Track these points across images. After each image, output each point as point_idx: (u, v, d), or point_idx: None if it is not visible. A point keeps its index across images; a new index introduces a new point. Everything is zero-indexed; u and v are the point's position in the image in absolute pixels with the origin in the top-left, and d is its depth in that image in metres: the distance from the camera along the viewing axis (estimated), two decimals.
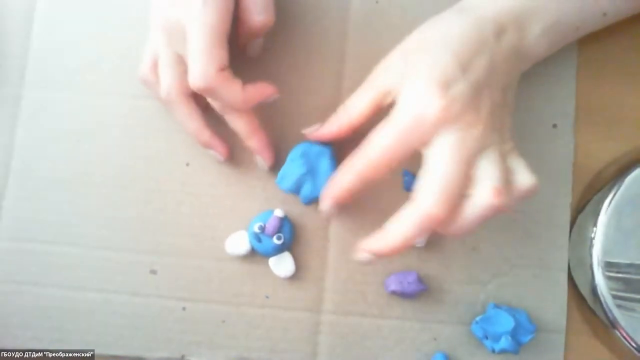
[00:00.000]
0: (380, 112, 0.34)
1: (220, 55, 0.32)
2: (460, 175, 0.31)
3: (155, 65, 0.36)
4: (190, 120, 0.37)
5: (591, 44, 0.41)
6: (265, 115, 0.40)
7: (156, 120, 0.40)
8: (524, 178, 0.32)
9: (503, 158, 0.32)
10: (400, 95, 0.33)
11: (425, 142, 0.32)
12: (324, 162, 0.38)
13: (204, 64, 0.32)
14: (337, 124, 0.36)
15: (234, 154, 0.39)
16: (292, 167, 0.38)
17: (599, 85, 0.41)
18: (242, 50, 0.38)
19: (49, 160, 0.39)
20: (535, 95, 0.41)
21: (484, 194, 0.31)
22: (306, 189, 0.38)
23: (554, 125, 0.41)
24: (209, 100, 0.36)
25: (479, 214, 0.31)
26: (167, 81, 0.36)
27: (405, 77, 0.33)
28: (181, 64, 0.35)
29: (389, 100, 0.34)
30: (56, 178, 0.39)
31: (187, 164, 0.40)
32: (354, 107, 0.35)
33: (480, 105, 0.32)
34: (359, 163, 0.33)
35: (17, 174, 0.39)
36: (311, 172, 0.38)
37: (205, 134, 0.37)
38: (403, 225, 0.31)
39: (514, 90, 0.36)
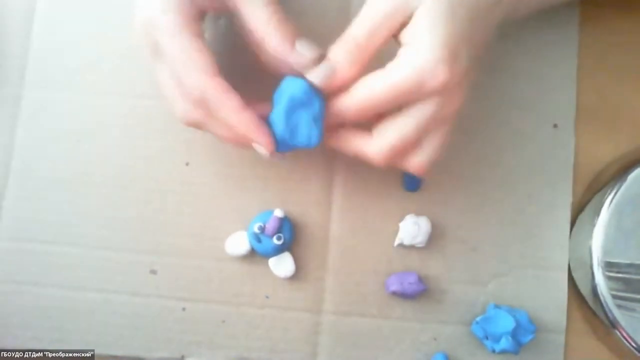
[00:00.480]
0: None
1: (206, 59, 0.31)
2: (416, 141, 0.32)
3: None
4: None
5: (591, 44, 0.41)
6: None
7: (156, 120, 0.40)
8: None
9: (446, 132, 0.33)
10: (408, 47, 0.31)
11: (412, 102, 0.31)
12: (282, 99, 0.32)
13: (194, 73, 0.31)
14: (358, 64, 0.32)
15: (234, 153, 0.39)
16: (280, 108, 0.32)
17: (599, 85, 0.41)
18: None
19: (49, 160, 0.39)
20: (535, 95, 0.41)
21: (414, 165, 0.33)
22: (303, 128, 0.32)
23: (554, 125, 0.41)
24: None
25: (358, 154, 0.34)
26: (175, 106, 0.33)
27: (418, 25, 0.30)
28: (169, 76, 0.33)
29: (399, 37, 0.32)
30: (56, 178, 0.39)
31: (187, 164, 0.40)
32: (371, 42, 0.31)
33: (467, 82, 0.32)
34: (344, 106, 0.32)
35: (17, 174, 0.39)
36: (303, 109, 0.32)
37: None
38: (345, 142, 0.34)
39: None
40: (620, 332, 0.38)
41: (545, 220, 0.40)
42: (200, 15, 0.33)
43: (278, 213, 0.38)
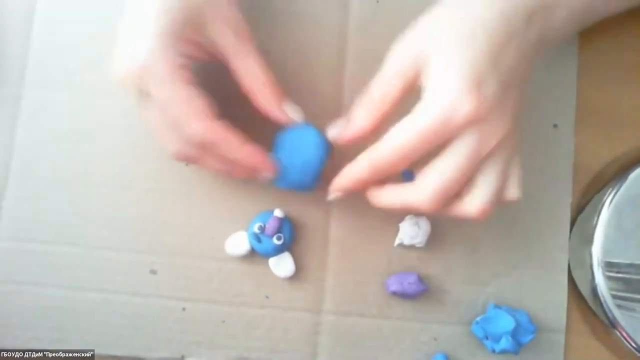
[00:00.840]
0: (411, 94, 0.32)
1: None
2: (465, 180, 0.31)
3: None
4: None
5: (591, 44, 0.41)
6: (263, 116, 0.40)
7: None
8: (513, 189, 0.32)
9: (509, 163, 0.32)
10: (427, 89, 0.31)
11: (448, 141, 0.30)
12: (310, 146, 0.35)
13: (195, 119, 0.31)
14: (371, 118, 0.32)
15: None
16: (298, 158, 0.36)
17: (599, 85, 0.41)
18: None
19: (49, 160, 0.39)
20: (535, 95, 0.41)
21: (471, 208, 0.31)
22: (290, 175, 0.35)
23: (554, 125, 0.41)
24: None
25: (458, 216, 0.32)
26: (168, 144, 0.33)
27: (433, 61, 0.30)
28: (160, 117, 0.33)
29: (418, 83, 0.32)
30: (56, 178, 0.39)
31: (187, 164, 0.40)
32: (385, 96, 0.32)
33: (506, 108, 0.30)
34: (376, 157, 0.32)
35: (17, 174, 0.39)
36: (296, 156, 0.35)
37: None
38: (390, 198, 0.33)
39: (528, 80, 0.33)
40: (620, 332, 0.38)
41: (545, 220, 0.40)
42: (189, 62, 0.33)
43: (278, 213, 0.38)
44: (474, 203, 0.31)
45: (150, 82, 0.31)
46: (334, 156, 0.36)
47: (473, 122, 0.29)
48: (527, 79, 0.33)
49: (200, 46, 0.34)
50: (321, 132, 0.35)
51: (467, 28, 0.30)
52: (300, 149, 0.35)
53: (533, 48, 0.32)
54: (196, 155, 0.33)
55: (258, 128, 0.35)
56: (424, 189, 0.31)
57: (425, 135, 0.30)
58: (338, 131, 0.34)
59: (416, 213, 0.33)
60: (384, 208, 0.33)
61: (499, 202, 0.32)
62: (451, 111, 0.29)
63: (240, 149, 0.33)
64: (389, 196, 0.33)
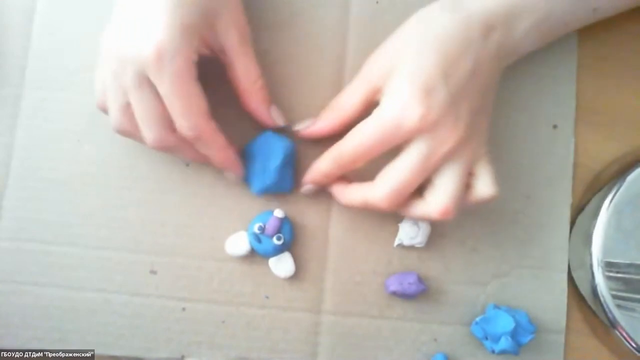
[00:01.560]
0: (371, 108, 0.35)
1: (169, 118, 0.33)
2: (417, 182, 0.33)
3: (126, 111, 0.34)
4: (213, 149, 0.35)
5: (591, 44, 0.41)
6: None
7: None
8: (484, 187, 0.34)
9: (469, 166, 0.34)
10: (384, 96, 0.34)
11: (402, 143, 0.33)
12: (277, 155, 0.37)
13: (156, 130, 0.33)
14: (330, 120, 0.37)
15: None
16: (273, 164, 0.38)
17: (599, 85, 0.41)
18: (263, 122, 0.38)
19: (49, 160, 0.39)
20: (535, 96, 0.41)
21: (432, 208, 0.34)
22: (256, 180, 0.38)
23: (554, 126, 0.41)
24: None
25: (420, 217, 0.35)
26: (155, 132, 0.34)
27: (390, 77, 0.34)
28: (157, 105, 0.33)
29: (378, 97, 0.35)
30: (56, 178, 0.39)
31: (187, 164, 0.40)
32: (346, 103, 0.36)
33: (459, 114, 0.33)
34: (338, 153, 0.35)
35: (17, 174, 0.39)
36: (264, 161, 0.37)
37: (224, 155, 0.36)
38: (352, 195, 0.36)
39: (493, 91, 0.36)
40: (620, 332, 0.38)
41: (545, 221, 0.40)
42: (196, 59, 0.34)
43: (278, 213, 0.38)
44: (434, 203, 0.34)
45: (162, 70, 0.32)
46: (302, 159, 0.39)
47: (423, 127, 0.32)
48: (490, 88, 0.35)
49: (207, 43, 0.34)
50: (286, 138, 0.38)
51: (422, 41, 0.33)
52: (263, 154, 0.37)
53: (492, 58, 0.34)
54: (175, 146, 0.35)
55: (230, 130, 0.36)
56: (379, 188, 0.34)
57: (378, 137, 0.33)
58: (303, 126, 0.38)
59: (375, 210, 0.35)
60: (348, 205, 0.37)
61: (473, 201, 0.35)
62: (402, 116, 0.32)
63: (222, 151, 0.35)
64: (352, 194, 0.36)
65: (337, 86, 0.40)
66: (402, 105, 0.32)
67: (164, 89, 0.32)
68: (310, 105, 0.40)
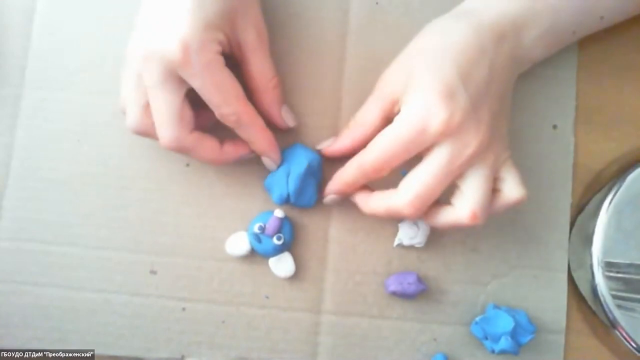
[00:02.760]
0: (390, 122, 0.35)
1: (187, 119, 0.34)
2: (441, 187, 0.33)
3: (147, 110, 0.34)
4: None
5: (591, 44, 0.41)
6: (263, 117, 0.40)
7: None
8: (512, 190, 0.34)
9: (494, 170, 0.34)
10: (405, 105, 0.34)
11: (425, 149, 0.33)
12: (300, 164, 0.37)
13: (173, 129, 0.33)
14: (350, 137, 0.37)
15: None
16: (296, 172, 0.38)
17: (599, 85, 0.41)
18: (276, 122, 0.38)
19: (49, 160, 0.39)
20: (535, 96, 0.41)
21: (460, 214, 0.34)
22: (277, 188, 0.38)
23: (554, 126, 0.41)
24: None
25: (451, 225, 0.34)
26: (172, 131, 0.34)
27: (409, 86, 0.34)
28: (178, 104, 0.34)
29: (396, 109, 0.35)
30: (56, 178, 0.39)
31: (187, 164, 0.40)
32: (365, 120, 0.36)
33: (480, 117, 0.33)
34: (362, 162, 0.35)
35: (17, 174, 0.39)
36: (287, 170, 0.37)
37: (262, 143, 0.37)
38: (376, 203, 0.35)
39: (510, 96, 0.36)
40: (620, 332, 0.38)
41: (545, 221, 0.40)
42: (221, 51, 0.34)
43: (278, 213, 0.38)
44: (462, 209, 0.33)
45: (191, 64, 0.32)
46: (328, 176, 0.38)
47: (446, 131, 0.32)
48: (506, 93, 0.36)
49: (227, 39, 0.35)
50: (313, 151, 0.38)
51: (439, 52, 0.33)
52: (288, 163, 0.37)
53: (506, 64, 0.34)
54: (192, 147, 0.35)
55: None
56: (404, 194, 0.33)
57: (402, 144, 0.33)
58: (325, 145, 0.38)
59: (400, 218, 0.35)
60: (371, 214, 0.36)
61: (502, 205, 0.34)
62: (426, 121, 0.32)
63: (262, 133, 0.36)
64: (375, 202, 0.35)
65: (337, 86, 0.40)
66: (425, 111, 0.32)
67: (197, 82, 0.33)
68: (310, 105, 0.40)
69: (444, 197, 0.34)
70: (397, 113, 0.34)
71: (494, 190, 0.34)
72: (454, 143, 0.32)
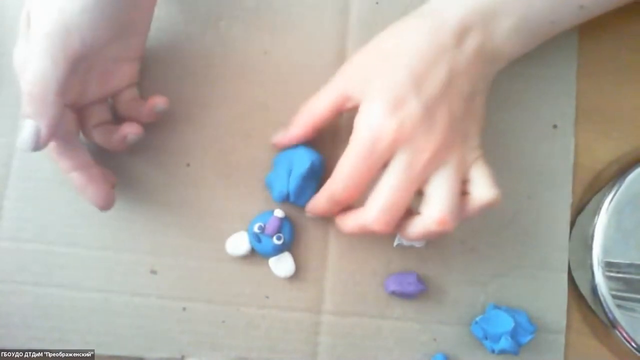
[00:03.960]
0: (341, 115, 0.36)
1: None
2: (406, 197, 0.32)
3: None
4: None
5: (591, 44, 0.41)
6: (263, 117, 0.40)
7: (157, 121, 0.40)
8: (482, 192, 0.33)
9: (461, 173, 0.33)
10: (357, 117, 0.33)
11: (386, 161, 0.33)
12: (303, 164, 0.37)
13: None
14: (300, 125, 0.37)
15: (235, 154, 0.39)
16: (275, 171, 0.38)
17: (599, 85, 0.41)
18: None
19: (49, 160, 0.39)
20: (535, 95, 0.41)
21: (428, 220, 0.32)
22: (277, 185, 0.38)
23: (554, 126, 0.41)
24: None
25: (423, 234, 0.33)
26: None
27: (363, 92, 0.34)
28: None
29: (348, 105, 0.35)
30: (56, 178, 0.39)
31: (188, 164, 0.40)
32: (315, 109, 0.36)
33: (435, 123, 0.32)
34: (330, 193, 0.35)
35: (17, 174, 0.39)
36: (289, 169, 0.37)
37: None
38: (351, 223, 0.35)
39: (483, 94, 0.35)
40: (620, 332, 0.38)
41: (545, 221, 0.40)
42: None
43: (278, 213, 0.38)
44: (430, 215, 0.32)
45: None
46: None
47: (399, 139, 0.32)
48: (476, 91, 0.34)
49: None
50: (317, 152, 0.38)
51: (393, 57, 0.33)
52: (290, 162, 0.37)
53: (472, 61, 0.33)
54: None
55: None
56: (370, 211, 0.33)
57: (362, 159, 0.32)
58: (279, 137, 0.38)
59: (374, 234, 0.34)
60: (349, 233, 0.36)
61: (473, 208, 0.33)
62: (377, 133, 0.32)
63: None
64: (350, 222, 0.35)
65: None
66: (376, 123, 0.32)
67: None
68: None
69: (416, 207, 0.34)
70: (349, 110, 0.35)
71: (463, 193, 0.33)
72: (408, 150, 0.32)
